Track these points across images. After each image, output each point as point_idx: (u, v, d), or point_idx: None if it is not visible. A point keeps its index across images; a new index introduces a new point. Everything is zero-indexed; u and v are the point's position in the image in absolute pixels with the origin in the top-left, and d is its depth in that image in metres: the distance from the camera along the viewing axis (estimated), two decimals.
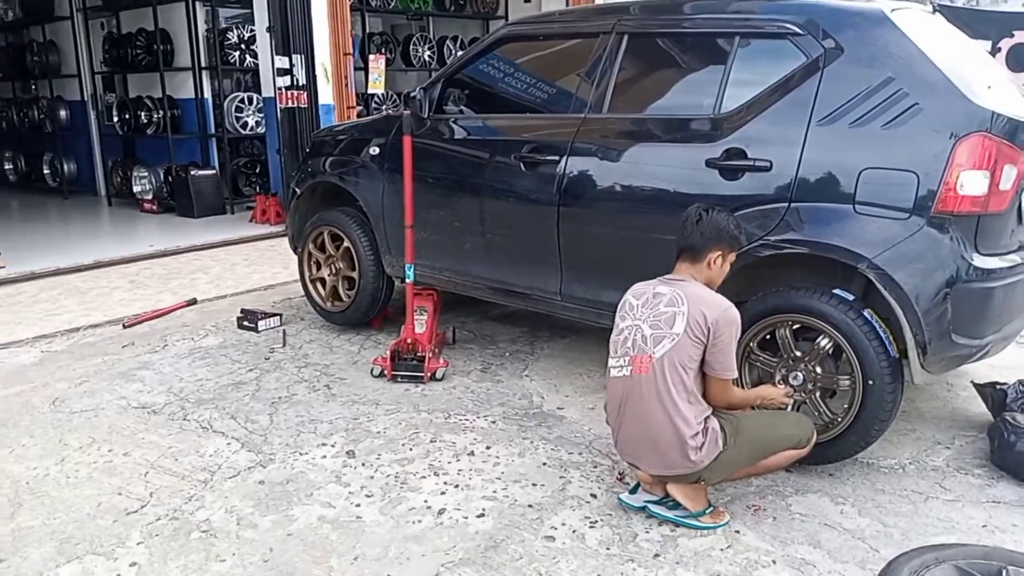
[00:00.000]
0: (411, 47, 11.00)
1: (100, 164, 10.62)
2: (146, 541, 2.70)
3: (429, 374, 4.05)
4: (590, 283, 3.62)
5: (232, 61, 9.12)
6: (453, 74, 4.21)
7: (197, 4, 8.76)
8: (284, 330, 4.82)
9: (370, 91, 9.06)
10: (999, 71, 3.56)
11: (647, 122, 3.49)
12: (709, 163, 3.15)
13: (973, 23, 8.25)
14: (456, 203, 4.07)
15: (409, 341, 4.11)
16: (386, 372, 4.07)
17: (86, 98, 10.51)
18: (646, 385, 2.65)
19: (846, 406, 2.98)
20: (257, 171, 9.58)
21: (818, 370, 3.03)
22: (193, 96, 9.05)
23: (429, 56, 11.19)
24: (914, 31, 3.00)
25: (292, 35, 7.51)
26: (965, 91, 2.83)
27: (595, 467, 3.20)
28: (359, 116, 8.41)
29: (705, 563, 2.58)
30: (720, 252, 2.76)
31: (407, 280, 4.10)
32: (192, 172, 8.81)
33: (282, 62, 7.57)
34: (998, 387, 3.44)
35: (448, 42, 11.41)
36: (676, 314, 2.64)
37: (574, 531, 2.75)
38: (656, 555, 2.63)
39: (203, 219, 8.65)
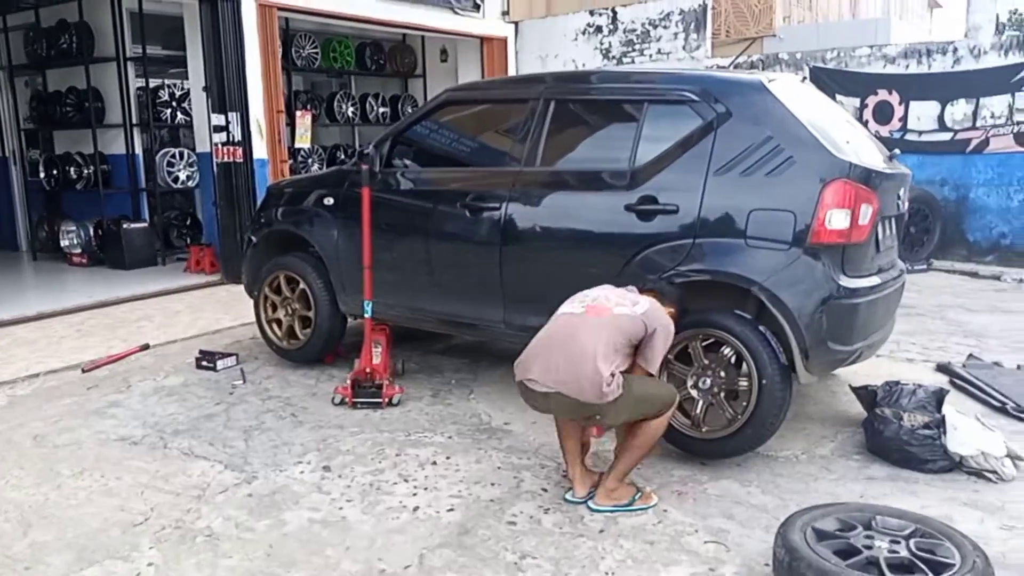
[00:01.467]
0: (335, 103, 11.51)
1: (22, 220, 10.61)
2: (157, 546, 3.06)
3: (387, 399, 4.50)
4: (530, 311, 4.16)
5: (164, 118, 9.42)
6: (401, 132, 4.77)
7: (129, 64, 9.05)
8: (242, 368, 5.19)
9: (297, 145, 9.51)
10: (857, 128, 4.34)
11: (575, 174, 4.13)
12: (627, 207, 3.79)
13: (844, 82, 9.40)
14: (407, 246, 4.58)
15: (367, 370, 4.56)
16: (347, 399, 4.50)
17: (7, 154, 10.55)
18: (593, 325, 3.18)
19: (745, 404, 3.60)
20: (188, 223, 9.82)
21: (722, 375, 3.65)
22: (124, 152, 9.28)
23: (352, 112, 11.71)
24: (787, 97, 3.73)
25: (228, 94, 7.91)
26: (828, 146, 3.56)
27: (543, 468, 3.72)
28: (291, 170, 8.84)
29: (642, 535, 3.13)
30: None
31: (366, 315, 4.57)
32: (124, 225, 9.00)
33: (218, 119, 7.94)
34: (869, 388, 4.14)
35: (370, 99, 11.97)
36: (640, 302, 3.28)
37: (531, 517, 3.26)
38: (601, 531, 3.16)
39: (136, 271, 8.84)
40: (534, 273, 4.13)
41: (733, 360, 3.64)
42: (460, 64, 11.80)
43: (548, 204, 4.09)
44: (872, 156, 3.90)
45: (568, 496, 3.41)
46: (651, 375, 3.32)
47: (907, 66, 9.15)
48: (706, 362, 3.69)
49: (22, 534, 3.17)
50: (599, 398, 3.11)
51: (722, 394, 3.68)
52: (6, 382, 5.11)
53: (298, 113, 9.48)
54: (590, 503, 3.35)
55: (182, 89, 9.36)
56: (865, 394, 4.14)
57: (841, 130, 3.88)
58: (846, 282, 3.58)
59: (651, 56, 10.97)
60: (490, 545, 3.05)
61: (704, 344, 3.70)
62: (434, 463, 3.78)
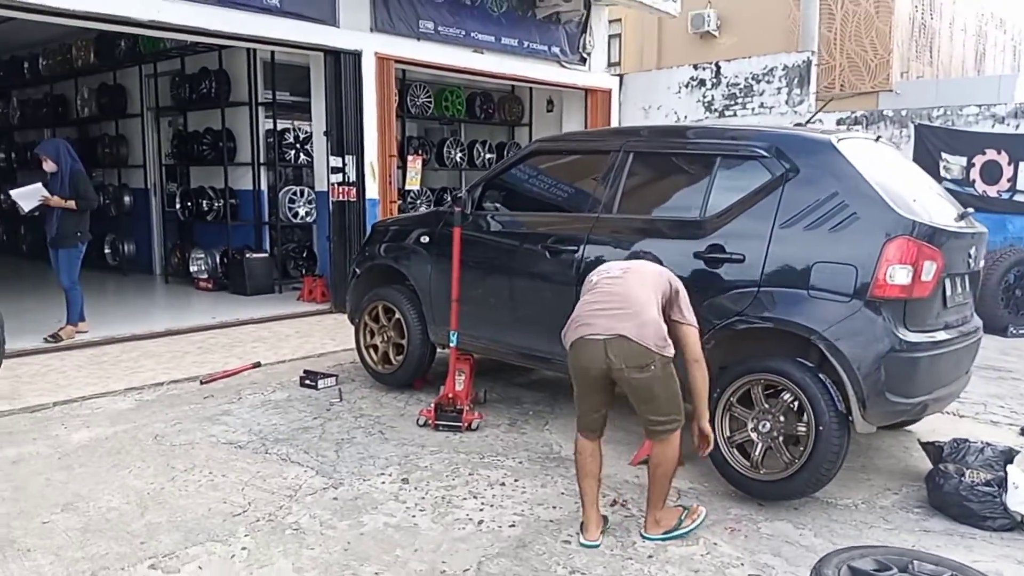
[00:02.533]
0: (444, 149, 12.16)
1: (158, 246, 11.65)
2: (251, 534, 3.47)
3: (466, 424, 4.83)
4: None
5: (288, 158, 10.24)
6: (492, 178, 5.18)
7: (260, 108, 9.93)
8: (340, 388, 5.64)
9: (408, 187, 10.13)
10: (930, 188, 4.44)
11: (649, 221, 4.40)
12: (696, 255, 4.03)
13: (950, 141, 9.28)
14: (492, 283, 4.95)
15: (450, 396, 4.91)
16: (430, 421, 4.86)
17: (149, 186, 11.65)
18: (639, 283, 3.44)
19: (802, 449, 3.73)
20: (304, 255, 10.56)
21: (782, 419, 3.80)
22: (251, 188, 10.13)
23: (460, 157, 12.33)
24: (855, 156, 3.90)
25: (345, 138, 8.59)
26: (892, 203, 3.71)
27: (603, 496, 3.94)
28: (399, 209, 9.43)
29: (688, 563, 3.32)
30: None
31: (451, 344, 4.94)
32: (247, 255, 9.79)
33: (336, 161, 8.63)
34: (937, 444, 4.18)
35: (477, 145, 12.58)
36: (653, 266, 3.67)
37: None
38: (650, 556, 3.37)
39: (255, 297, 9.57)
40: None
41: (793, 406, 3.79)
42: (565, 114, 12.26)
43: (622, 249, 4.36)
44: (941, 215, 4.00)
45: (583, 540, 3.44)
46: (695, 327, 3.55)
47: (1017, 126, 8.97)
48: (766, 406, 3.85)
49: (139, 515, 3.65)
50: (659, 347, 3.30)
51: (780, 438, 3.82)
52: (134, 388, 5.73)
53: (410, 157, 10.12)
54: (643, 532, 3.55)
55: (305, 132, 10.15)
56: (932, 449, 4.18)
57: (910, 189, 4.01)
58: (907, 336, 3.69)
59: (753, 110, 11.13)
60: (544, 559, 3.30)
61: (765, 389, 3.86)
62: (503, 484, 4.07)
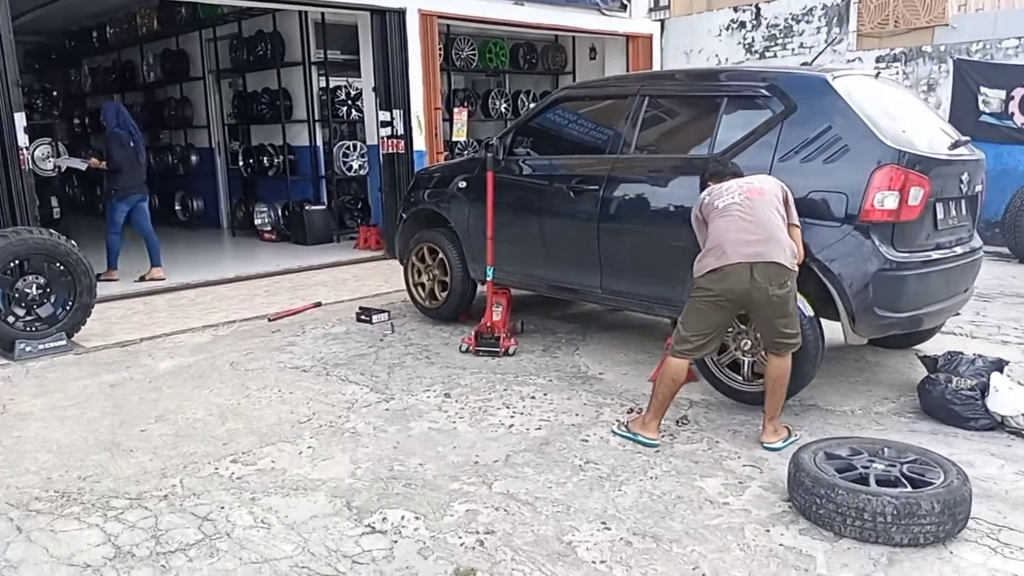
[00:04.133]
0: (490, 100, 12.56)
1: (224, 201, 12.40)
2: (315, 437, 4.07)
3: (504, 349, 5.36)
4: (622, 279, 4.91)
5: (340, 114, 10.80)
6: (522, 125, 5.63)
7: (313, 68, 10.47)
8: (392, 322, 6.22)
9: (454, 138, 10.58)
10: (924, 118, 4.72)
11: (662, 160, 4.80)
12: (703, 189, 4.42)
13: (989, 75, 9.31)
14: (523, 221, 5.42)
15: (488, 325, 5.44)
16: (471, 348, 5.41)
17: (213, 145, 12.37)
18: (761, 203, 3.73)
19: None
20: (359, 207, 11.17)
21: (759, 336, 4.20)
22: (307, 144, 10.74)
23: (505, 108, 12.72)
24: (849, 92, 4.23)
25: (393, 93, 9.08)
26: (881, 135, 4.04)
27: (622, 406, 4.44)
28: (446, 160, 9.92)
29: (690, 456, 3.80)
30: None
31: (488, 279, 5.45)
32: (306, 207, 10.45)
33: (384, 115, 9.14)
34: (932, 357, 4.54)
35: (522, 95, 12.94)
36: (765, 180, 3.91)
37: (601, 438, 4.01)
38: (657, 451, 3.86)
39: (314, 246, 10.23)
40: (625, 245, 4.84)
41: None
42: (607, 61, 12.50)
43: (639, 186, 4.78)
44: (932, 144, 4.30)
45: (647, 439, 3.88)
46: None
47: None
48: (743, 327, 4.25)
49: (220, 423, 4.29)
50: (792, 264, 3.72)
51: (763, 352, 4.22)
52: (210, 325, 6.42)
53: (456, 110, 10.52)
54: (763, 442, 3.87)
55: (356, 89, 10.67)
56: (928, 361, 4.54)
57: (902, 121, 4.31)
58: (895, 256, 4.05)
59: (793, 50, 11.21)
60: (563, 453, 3.83)
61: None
62: (533, 397, 4.60)
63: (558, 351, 5.52)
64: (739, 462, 3.74)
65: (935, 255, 4.28)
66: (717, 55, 11.98)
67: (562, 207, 5.16)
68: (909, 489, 3.05)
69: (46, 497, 3.46)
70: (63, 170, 9.79)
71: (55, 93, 11.84)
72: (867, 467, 3.21)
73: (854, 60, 10.54)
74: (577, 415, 4.32)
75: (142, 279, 8.10)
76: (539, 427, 4.15)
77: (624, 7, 11.77)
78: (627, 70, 11.94)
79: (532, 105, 12.96)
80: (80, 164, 8.88)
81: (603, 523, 3.16)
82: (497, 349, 5.36)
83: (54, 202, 11.55)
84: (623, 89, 5.15)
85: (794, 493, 3.22)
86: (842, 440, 3.51)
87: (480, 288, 6.08)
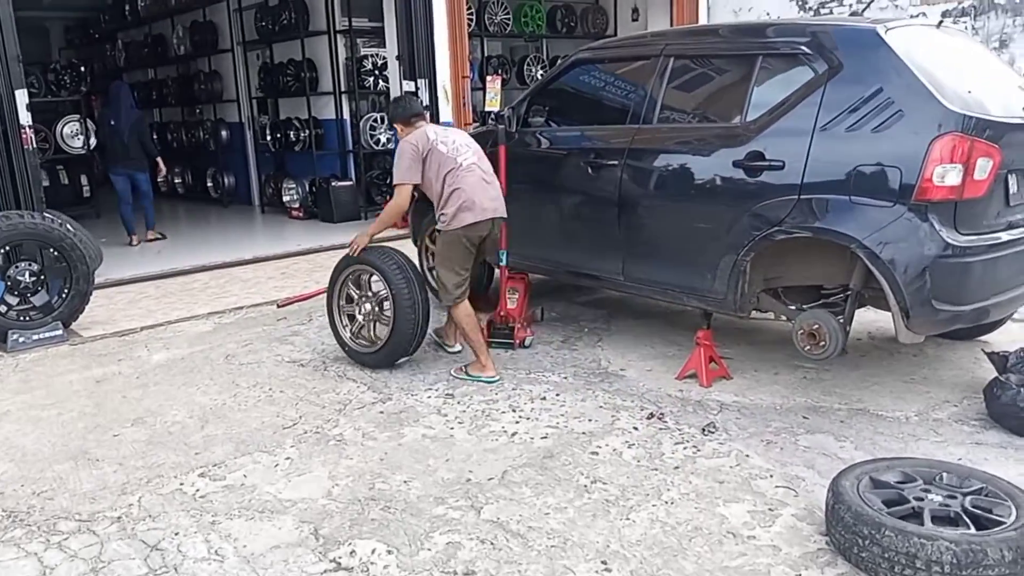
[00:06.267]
0: (525, 67, 11.97)
1: (255, 177, 12.12)
2: (296, 445, 3.69)
3: (519, 341, 4.90)
4: (646, 264, 4.39)
5: (367, 85, 10.35)
6: (536, 93, 5.10)
7: (338, 36, 10.04)
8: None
9: (487, 109, 10.05)
10: (998, 75, 4.06)
11: (688, 130, 4.25)
12: (735, 163, 3.87)
13: None
14: (538, 200, 4.93)
15: (502, 314, 4.98)
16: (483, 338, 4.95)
17: (243, 120, 12.06)
18: (485, 165, 4.37)
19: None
20: (387, 182, 10.75)
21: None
22: (334, 117, 10.34)
23: (542, 75, 12.09)
24: (904, 47, 3.61)
25: (417, 62, 8.60)
26: (940, 97, 3.43)
27: (641, 410, 3.95)
28: (474, 131, 9.42)
29: (714, 474, 3.30)
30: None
31: (501, 263, 4.98)
32: (333, 184, 10.07)
33: (408, 86, 8.67)
34: (1002, 354, 3.94)
35: (560, 61, 12.28)
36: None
37: (614, 450, 3.54)
38: (676, 467, 3.37)
39: (341, 223, 9.86)
40: (648, 228, 4.32)
41: None
42: (650, 21, 11.78)
43: (661, 160, 4.24)
44: (1005, 106, 3.67)
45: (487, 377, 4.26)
46: None
47: None
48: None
49: (199, 428, 3.93)
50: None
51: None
52: (216, 312, 6.09)
53: (488, 78, 9.99)
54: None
55: (383, 59, 10.20)
56: (997, 359, 3.95)
57: (969, 80, 3.68)
58: (957, 239, 3.45)
59: (850, 6, 10.36)
60: (568, 469, 3.37)
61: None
62: (543, 398, 4.14)
63: (578, 342, 5.04)
64: (771, 482, 3.23)
65: (1005, 236, 3.66)
66: (768, 12, 11.14)
67: (580, 184, 4.65)
68: (973, 531, 2.52)
69: None
70: (93, 147, 10.46)
71: (83, 69, 11.62)
72: (921, 499, 2.68)
73: (917, 16, 9.66)
74: (590, 420, 3.85)
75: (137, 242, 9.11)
76: (545, 435, 3.69)
77: None
78: None
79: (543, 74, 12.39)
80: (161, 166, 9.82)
81: (603, 563, 2.70)
82: (511, 341, 4.90)
83: (84, 180, 11.48)
84: (645, 49, 4.58)
85: (832, 529, 2.71)
86: (891, 462, 2.97)
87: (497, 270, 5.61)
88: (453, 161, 4.25)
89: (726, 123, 4.05)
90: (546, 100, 5.06)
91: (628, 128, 4.41)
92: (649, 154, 4.30)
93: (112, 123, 9.04)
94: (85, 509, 3.18)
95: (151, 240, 9.25)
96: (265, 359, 4.94)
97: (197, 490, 3.30)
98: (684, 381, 4.27)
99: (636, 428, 3.74)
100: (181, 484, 3.36)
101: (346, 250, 4.70)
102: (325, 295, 5.35)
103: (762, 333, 5.02)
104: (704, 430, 3.69)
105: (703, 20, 11.41)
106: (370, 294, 4.68)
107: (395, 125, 4.52)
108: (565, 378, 4.42)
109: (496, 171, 4.82)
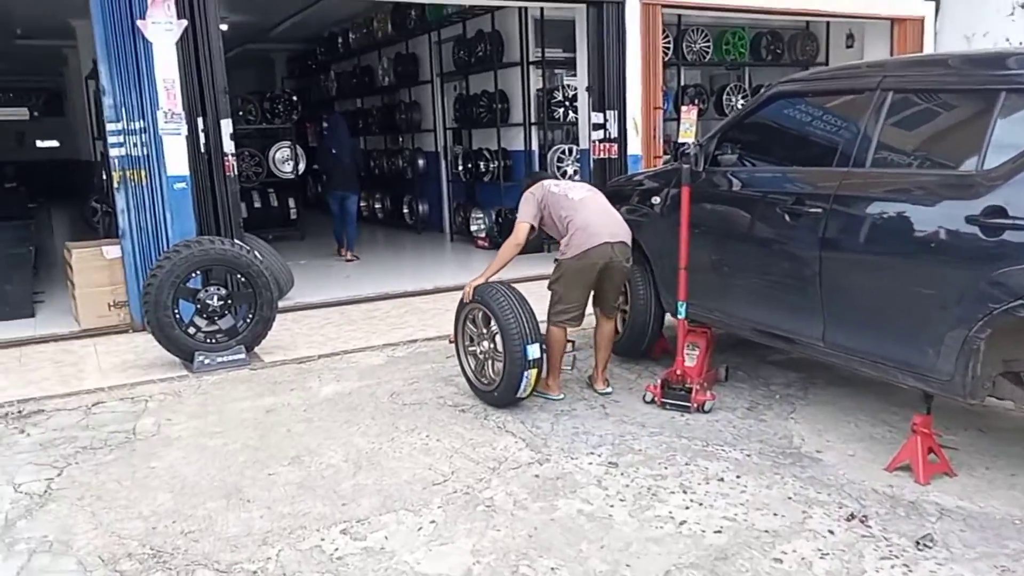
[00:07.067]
0: (724, 97, 11.35)
1: (447, 206, 12.32)
2: (444, 507, 3.42)
3: (696, 405, 4.40)
4: (852, 331, 3.76)
5: (557, 116, 10.19)
6: (727, 130, 4.60)
7: (530, 67, 9.97)
8: (575, 355, 5.42)
9: (681, 140, 9.54)
10: None
11: (908, 177, 3.58)
12: (969, 219, 3.18)
13: None
14: (724, 248, 4.43)
15: (679, 372, 4.51)
16: (656, 399, 4.51)
17: (438, 149, 12.31)
18: (599, 198, 4.67)
19: None
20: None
21: None
22: (523, 148, 10.26)
23: (742, 104, 11.41)
24: None
25: (607, 93, 8.29)
26: None
27: (840, 507, 3.34)
28: (664, 164, 8.98)
29: None
30: None
31: (679, 316, 4.51)
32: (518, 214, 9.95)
33: (597, 117, 8.37)
34: None
35: (762, 90, 11.54)
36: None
37: (803, 559, 2.97)
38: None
39: (524, 256, 9.68)
40: (857, 288, 3.69)
41: None
42: (867, 49, 10.81)
43: (875, 210, 3.60)
44: None
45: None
46: None
47: None
48: None
49: (352, 474, 3.78)
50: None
51: None
52: (391, 344, 6.05)
53: (684, 108, 9.53)
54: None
55: (573, 89, 10.00)
56: None
57: None
58: None
59: None
60: None
61: None
62: (720, 479, 3.62)
63: (767, 411, 4.46)
64: None
65: None
66: (1008, 39, 9.86)
67: (775, 232, 4.09)
68: None
69: (139, 555, 3.12)
70: (301, 172, 11.82)
71: (295, 98, 12.37)
72: None
73: None
74: (775, 515, 3.29)
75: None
76: (719, 529, 3.19)
77: None
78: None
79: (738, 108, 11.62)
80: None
81: None
82: (687, 404, 4.41)
83: (291, 203, 12.18)
84: (859, 81, 3.96)
85: None
86: None
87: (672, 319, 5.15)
88: (565, 198, 4.59)
89: (957, 170, 3.37)
90: (739, 136, 4.56)
91: (835, 171, 3.81)
92: (860, 202, 3.68)
93: (333, 151, 10.07)
94: (225, 558, 3.07)
95: (349, 259, 10.02)
96: (428, 400, 4.77)
97: (336, 549, 3.11)
98: (895, 474, 3.59)
99: (832, 532, 3.15)
100: (322, 540, 3.19)
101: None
102: None
103: (996, 419, 4.21)
104: (918, 543, 3.03)
105: (928, 48, 10.32)
106: (485, 331, 4.69)
107: (526, 190, 4.89)
108: (749, 456, 3.87)
109: (677, 214, 4.40)
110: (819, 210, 3.80)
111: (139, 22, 6.09)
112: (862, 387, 4.72)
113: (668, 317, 5.15)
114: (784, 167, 4.30)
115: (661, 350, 5.37)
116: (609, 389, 4.80)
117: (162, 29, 6.17)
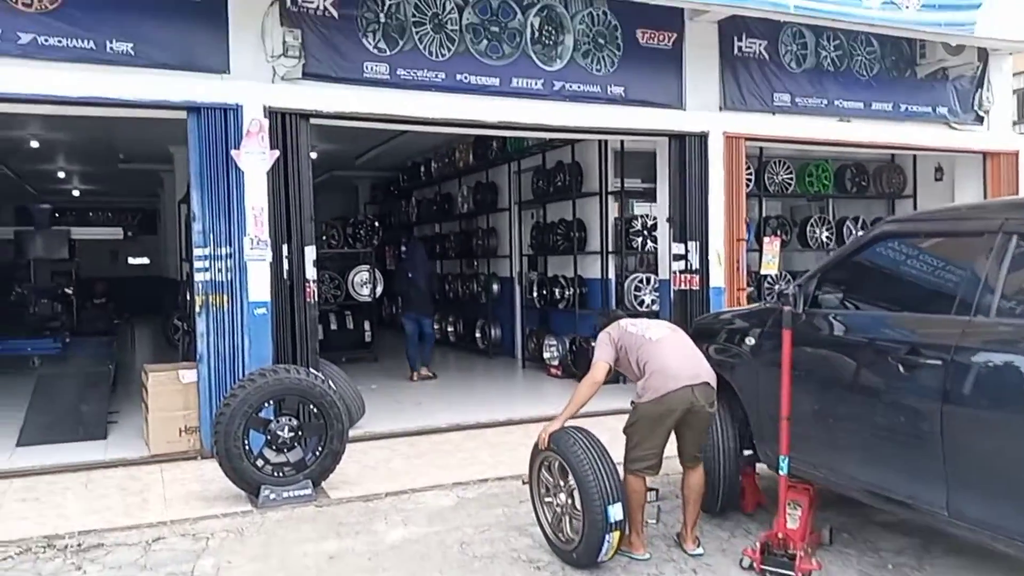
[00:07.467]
0: (808, 228, 11.09)
1: (520, 331, 12.18)
2: None
3: (802, 575, 3.95)
4: (982, 501, 3.33)
5: (635, 246, 10.08)
6: (830, 269, 4.33)
7: (609, 197, 9.96)
8: (659, 505, 5.02)
9: (763, 272, 9.30)
10: None
11: None
12: None
13: None
14: (829, 397, 4.08)
15: (780, 536, 4.08)
16: (755, 565, 4.07)
17: (513, 275, 12.30)
18: (680, 337, 4.41)
19: None
20: None
21: None
22: (599, 276, 10.13)
23: (827, 237, 11.13)
24: None
25: (689, 224, 8.16)
26: None
27: None
28: (748, 297, 8.68)
29: None
30: None
31: (781, 472, 4.12)
32: (592, 344, 9.70)
33: (678, 248, 8.21)
34: None
35: (848, 223, 11.25)
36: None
37: None
38: None
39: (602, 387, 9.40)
40: (988, 452, 3.29)
41: None
42: (957, 182, 10.47)
43: (1008, 365, 3.25)
44: None
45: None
46: None
47: None
48: None
49: None
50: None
51: None
52: (460, 483, 5.75)
53: (766, 239, 9.32)
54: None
55: (654, 219, 9.91)
56: None
57: None
58: None
59: None
60: None
61: None
62: None
63: None
64: None
65: None
66: None
67: (887, 382, 3.74)
68: None
69: None
70: (379, 295, 12.26)
71: (376, 224, 12.64)
72: None
73: None
74: None
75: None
76: None
77: (980, 119, 9.84)
78: (984, 194, 9.85)
79: (849, 240, 11.29)
80: None
81: None
82: (791, 573, 3.96)
83: (366, 326, 12.24)
84: (976, 224, 3.69)
85: None
86: None
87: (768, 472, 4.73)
88: (642, 338, 4.30)
89: None
90: (841, 276, 4.28)
91: (956, 319, 3.48)
92: (987, 354, 3.33)
93: (410, 275, 10.47)
94: None
95: (424, 377, 10.20)
96: (501, 552, 4.43)
97: None
98: None
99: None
100: None
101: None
102: None
103: None
104: None
105: None
106: (562, 484, 4.27)
107: (602, 330, 4.64)
108: None
109: (778, 359, 4.08)
110: (939, 361, 3.45)
111: (233, 152, 6.26)
112: (987, 560, 4.17)
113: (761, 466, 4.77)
114: (895, 311, 3.99)
115: (755, 503, 4.93)
116: (700, 550, 4.36)
117: (255, 159, 6.33)
